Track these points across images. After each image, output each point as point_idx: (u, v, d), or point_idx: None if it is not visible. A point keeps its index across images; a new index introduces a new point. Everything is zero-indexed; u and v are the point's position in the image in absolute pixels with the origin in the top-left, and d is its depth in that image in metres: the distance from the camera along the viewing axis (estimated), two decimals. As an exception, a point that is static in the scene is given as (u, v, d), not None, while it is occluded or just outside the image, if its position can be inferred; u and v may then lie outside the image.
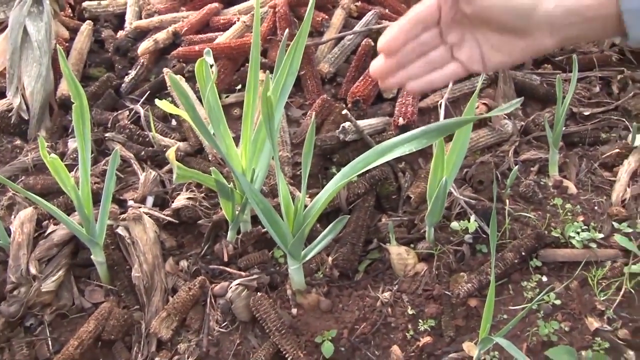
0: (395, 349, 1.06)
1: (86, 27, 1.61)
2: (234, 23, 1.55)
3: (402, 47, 0.65)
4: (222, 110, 1.06)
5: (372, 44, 1.50)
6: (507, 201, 1.27)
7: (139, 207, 1.21)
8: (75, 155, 1.28)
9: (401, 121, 1.30)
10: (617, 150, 1.37)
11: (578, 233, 1.19)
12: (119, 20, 1.72)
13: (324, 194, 0.99)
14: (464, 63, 0.65)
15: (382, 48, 0.65)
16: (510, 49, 0.64)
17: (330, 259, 1.19)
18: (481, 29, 0.65)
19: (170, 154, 0.80)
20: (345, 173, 0.96)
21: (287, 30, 1.10)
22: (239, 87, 1.46)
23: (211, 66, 0.88)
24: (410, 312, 1.10)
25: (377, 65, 0.64)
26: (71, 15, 1.77)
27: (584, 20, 0.62)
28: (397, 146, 0.90)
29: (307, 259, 1.09)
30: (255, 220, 1.21)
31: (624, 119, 1.48)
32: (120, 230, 1.16)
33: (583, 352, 1.01)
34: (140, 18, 1.65)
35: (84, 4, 1.71)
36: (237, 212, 1.14)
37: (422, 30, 0.64)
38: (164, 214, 1.21)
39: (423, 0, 0.64)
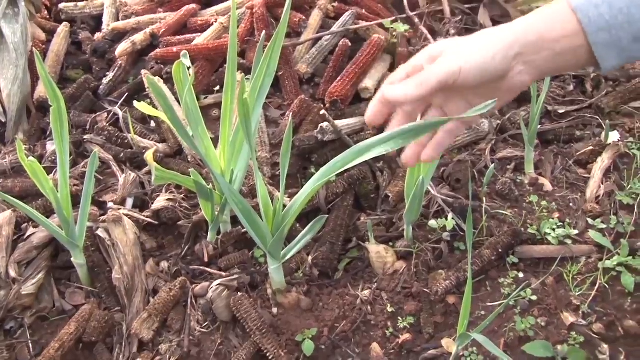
0: (375, 346, 1.07)
1: (63, 28, 1.60)
2: (212, 24, 1.55)
3: (385, 118, 0.73)
4: (201, 112, 1.07)
5: (349, 44, 1.52)
6: (484, 199, 1.29)
7: (119, 209, 1.21)
8: (54, 158, 1.28)
9: (379, 121, 1.32)
10: (591, 147, 1.40)
11: (554, 229, 1.21)
12: (96, 21, 1.71)
13: (303, 194, 1.00)
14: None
15: (368, 123, 0.75)
16: (494, 95, 0.69)
17: (310, 258, 1.20)
18: (464, 91, 0.71)
19: (148, 156, 0.80)
20: (323, 173, 0.97)
21: (264, 32, 1.11)
22: (218, 88, 1.47)
23: (188, 68, 0.88)
24: (389, 309, 1.11)
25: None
26: (47, 17, 1.76)
27: (555, 54, 0.65)
28: (374, 146, 0.91)
29: (287, 258, 1.10)
30: (235, 220, 1.21)
31: (597, 117, 1.51)
32: (100, 232, 1.16)
33: (559, 347, 1.03)
34: (118, 19, 1.64)
35: (61, 6, 1.70)
36: (216, 213, 1.14)
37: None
38: (143, 216, 1.21)
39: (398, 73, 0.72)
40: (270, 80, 1.08)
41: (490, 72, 0.67)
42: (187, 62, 0.88)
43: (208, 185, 1.09)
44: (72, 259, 1.11)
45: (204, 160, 0.98)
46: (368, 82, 1.46)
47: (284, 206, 1.03)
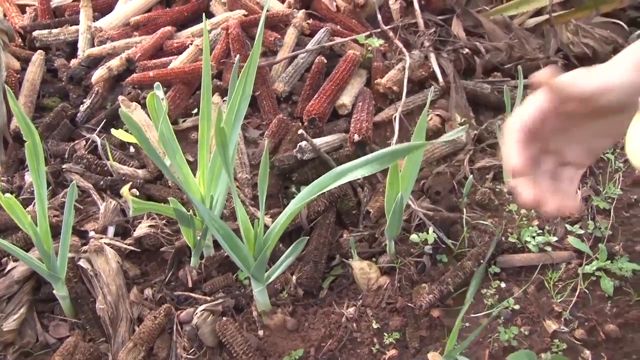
0: (362, 364, 1.08)
1: (38, 56, 1.60)
2: (188, 46, 1.55)
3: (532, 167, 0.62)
4: (179, 136, 1.07)
5: (325, 61, 1.53)
6: (465, 210, 1.30)
7: (100, 238, 1.20)
8: (32, 189, 1.27)
9: (356, 137, 1.33)
10: (566, 153, 1.42)
11: (534, 237, 1.23)
12: (71, 48, 1.71)
13: (283, 217, 1.01)
14: (575, 163, 0.64)
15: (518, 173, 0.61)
16: (614, 129, 0.63)
17: (294, 278, 1.20)
18: (584, 123, 0.63)
19: (124, 191, 0.80)
20: (302, 197, 0.98)
21: (238, 55, 1.11)
22: (195, 110, 1.47)
23: (162, 99, 0.89)
24: (375, 326, 1.12)
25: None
26: (22, 45, 1.75)
27: None
28: (351, 170, 0.92)
29: (271, 280, 1.10)
30: (217, 244, 1.21)
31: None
32: (82, 263, 1.16)
33: (543, 355, 1.04)
34: (93, 45, 1.64)
35: (35, 33, 1.69)
36: (198, 238, 1.14)
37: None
38: (125, 244, 1.21)
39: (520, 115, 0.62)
40: (246, 104, 1.08)
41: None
42: (160, 93, 0.88)
43: (188, 211, 1.10)
44: (54, 291, 1.11)
45: (183, 188, 0.99)
46: (345, 99, 1.47)
47: (267, 227, 1.04)
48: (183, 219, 1.08)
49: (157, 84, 0.89)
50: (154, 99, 0.92)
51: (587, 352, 1.04)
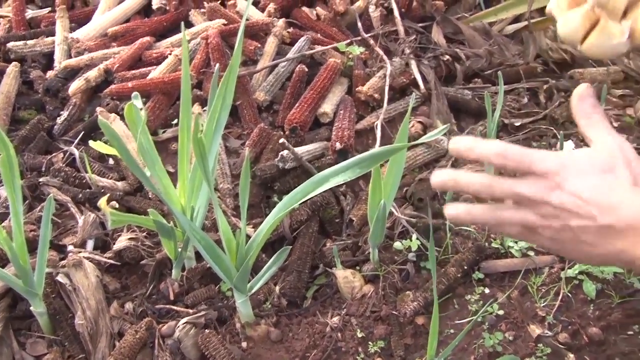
0: (347, 374, 1.07)
1: (12, 68, 1.57)
2: (167, 56, 1.54)
3: None
4: (159, 147, 1.06)
5: (306, 69, 1.52)
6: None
7: (79, 252, 1.18)
8: (8, 203, 1.25)
9: (338, 146, 1.32)
10: (548, 158, 1.42)
11: (516, 242, 1.23)
12: (47, 59, 1.68)
13: (265, 226, 1.00)
14: None
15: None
16: None
17: (277, 288, 1.19)
18: None
19: (102, 203, 0.79)
20: (283, 205, 0.97)
21: (217, 65, 1.10)
22: (175, 121, 1.45)
23: (140, 109, 0.87)
24: (359, 335, 1.11)
25: None
26: (-4, 57, 1.72)
27: None
28: (332, 176, 0.92)
29: (254, 291, 1.09)
30: (199, 255, 1.20)
31: (552, 128, 1.54)
32: (60, 278, 1.13)
33: (527, 360, 1.04)
34: (70, 57, 1.62)
35: (9, 45, 1.66)
36: (179, 250, 1.13)
37: None
38: (105, 257, 1.19)
39: None
40: (226, 114, 1.07)
41: None
42: (138, 103, 0.87)
43: (169, 222, 1.08)
44: (31, 307, 1.08)
45: (163, 199, 0.97)
46: (326, 107, 1.47)
47: (249, 237, 1.03)
48: (163, 230, 1.07)
49: (135, 94, 0.88)
50: (132, 110, 0.90)
51: (571, 356, 1.04)
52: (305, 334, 1.12)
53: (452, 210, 0.67)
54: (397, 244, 1.23)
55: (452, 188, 0.67)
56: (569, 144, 1.47)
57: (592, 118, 0.63)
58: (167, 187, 1.05)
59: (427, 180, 1.39)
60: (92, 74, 1.49)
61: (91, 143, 1.10)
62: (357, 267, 1.23)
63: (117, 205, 1.25)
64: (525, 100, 1.64)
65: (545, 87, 1.65)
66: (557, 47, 1.72)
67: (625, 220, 0.57)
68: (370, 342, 1.10)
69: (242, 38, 1.04)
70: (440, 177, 0.67)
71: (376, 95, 1.50)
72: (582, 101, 0.64)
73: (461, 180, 0.66)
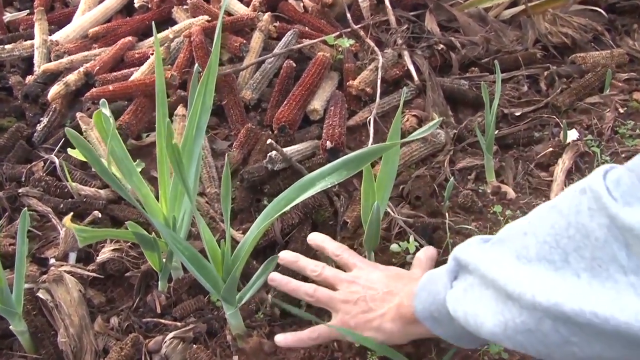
0: (344, 386, 1.01)
1: (-11, 75, 1.52)
2: (150, 56, 1.48)
3: None
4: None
5: (294, 65, 1.46)
6: (447, 214, 1.24)
7: (61, 266, 1.13)
8: (-14, 218, 1.19)
9: (329, 145, 1.26)
10: (551, 149, 1.36)
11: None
12: (27, 64, 1.62)
13: (251, 235, 0.94)
14: None
15: None
16: None
17: (269, 296, 1.13)
18: None
19: (66, 222, 0.73)
20: (267, 213, 0.91)
21: (196, 65, 1.05)
22: (159, 124, 1.39)
23: (109, 117, 0.82)
24: (357, 344, 1.05)
25: None
26: (-28, 63, 1.66)
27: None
28: (318, 180, 0.87)
29: (244, 301, 1.03)
30: (186, 265, 1.14)
31: (554, 116, 1.47)
32: (41, 294, 1.08)
33: (537, 366, 0.98)
34: (50, 60, 1.56)
35: (-15, 51, 1.61)
36: (164, 261, 1.07)
37: None
38: (88, 270, 1.14)
39: None
40: (207, 116, 1.02)
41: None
42: (106, 111, 0.81)
43: (150, 233, 1.02)
44: (11, 327, 1.03)
45: (141, 211, 0.92)
46: (316, 104, 1.40)
47: (237, 242, 0.97)
48: (145, 242, 1.01)
49: (102, 100, 0.82)
50: (100, 118, 0.84)
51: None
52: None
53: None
54: (394, 247, 1.17)
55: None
56: (573, 133, 1.40)
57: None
58: (147, 197, 0.99)
59: (425, 177, 1.33)
60: (72, 77, 1.43)
61: (70, 151, 1.04)
62: (354, 271, 1.17)
63: (99, 215, 1.20)
64: (525, 88, 1.57)
65: (545, 73, 1.59)
66: (557, 31, 1.65)
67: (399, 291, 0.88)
68: (369, 352, 1.05)
69: (219, 34, 0.97)
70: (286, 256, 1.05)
71: (368, 89, 1.43)
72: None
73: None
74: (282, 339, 0.95)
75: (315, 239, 1.07)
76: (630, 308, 0.46)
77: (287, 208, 0.86)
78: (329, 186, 0.83)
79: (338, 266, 1.04)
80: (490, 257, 0.62)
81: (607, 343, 0.50)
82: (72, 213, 0.82)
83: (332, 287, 0.96)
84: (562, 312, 0.50)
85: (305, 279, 1.03)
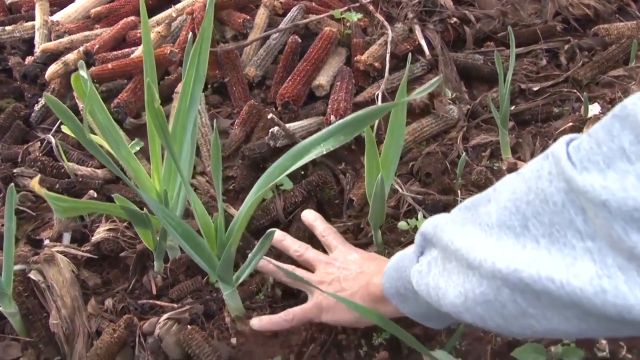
0: (348, 370, 0.95)
1: (-12, 56, 1.49)
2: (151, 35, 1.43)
3: None
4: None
5: (300, 40, 1.40)
6: (459, 192, 1.18)
7: (54, 246, 1.09)
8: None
9: (333, 119, 1.20)
10: (571, 123, 1.29)
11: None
12: (27, 45, 1.59)
13: (243, 209, 0.89)
14: None
15: None
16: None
17: (271, 277, 1.08)
18: None
19: (34, 185, 0.68)
20: (261, 184, 0.86)
21: (190, 33, 0.99)
22: (159, 101, 1.34)
23: (87, 80, 0.77)
24: (362, 326, 0.99)
25: None
26: (-28, 46, 1.63)
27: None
28: (313, 146, 0.81)
29: (241, 281, 0.98)
30: (183, 245, 1.09)
31: (575, 91, 1.39)
32: (32, 275, 1.04)
33: (552, 348, 0.91)
34: (51, 41, 1.53)
35: (-14, 33, 1.58)
36: (158, 239, 1.02)
37: None
38: (82, 251, 1.09)
39: None
40: (201, 86, 0.97)
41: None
42: (84, 74, 0.76)
43: (142, 209, 0.97)
44: (0, 308, 0.99)
45: (129, 184, 0.87)
46: (322, 79, 1.34)
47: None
48: (137, 218, 0.96)
49: (80, 62, 0.77)
50: (79, 81, 0.80)
51: (604, 342, 0.91)
52: (301, 327, 1.01)
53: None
54: (402, 224, 1.11)
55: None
56: (595, 107, 1.32)
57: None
58: (137, 171, 0.94)
59: (436, 154, 1.26)
60: (71, 56, 1.39)
61: (63, 128, 1.00)
62: (360, 251, 1.11)
63: (95, 195, 1.16)
64: (544, 62, 1.49)
65: (566, 47, 1.50)
66: (578, 2, 1.56)
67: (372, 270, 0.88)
68: (374, 334, 0.98)
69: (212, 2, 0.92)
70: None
71: (376, 64, 1.37)
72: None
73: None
74: (257, 321, 0.94)
75: (308, 217, 1.06)
76: (586, 273, 0.45)
77: (282, 177, 0.81)
78: (325, 152, 0.77)
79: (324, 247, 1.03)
80: (453, 227, 0.62)
81: (563, 314, 0.50)
82: (39, 176, 0.77)
83: (312, 268, 0.96)
84: (520, 279, 0.50)
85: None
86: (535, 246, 0.50)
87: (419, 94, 0.78)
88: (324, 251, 1.02)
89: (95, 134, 1.12)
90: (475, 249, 0.55)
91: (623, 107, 0.46)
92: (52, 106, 0.76)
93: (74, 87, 0.81)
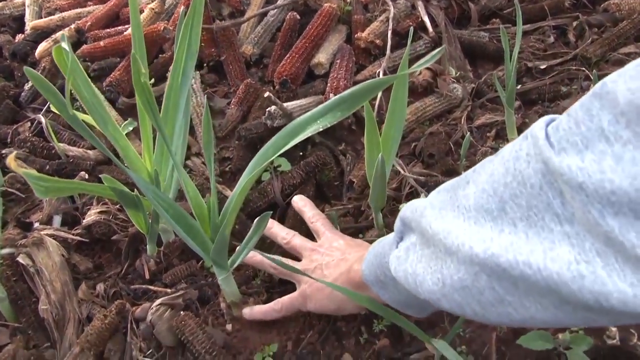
0: (347, 357, 0.92)
1: (-24, 34, 1.44)
2: (143, 11, 1.39)
3: None
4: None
5: (298, 17, 1.35)
6: (463, 173, 1.13)
7: (44, 229, 1.05)
8: (-32, 179, 1.12)
9: (332, 97, 1.15)
10: (579, 102, 1.24)
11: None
12: (18, 23, 1.55)
13: (237, 189, 0.85)
14: None
15: None
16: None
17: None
18: None
19: (10, 162, 0.64)
20: (255, 163, 0.82)
21: (182, 7, 0.95)
22: (153, 80, 1.30)
23: (69, 51, 0.72)
24: (362, 312, 0.95)
25: None
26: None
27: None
28: (309, 123, 0.77)
29: (236, 265, 0.94)
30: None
31: (583, 69, 1.34)
32: (21, 259, 1.01)
33: (560, 335, 0.88)
34: (42, 18, 1.48)
35: (-26, 10, 1.54)
36: (150, 222, 0.98)
37: None
38: (73, 234, 1.06)
39: None
40: (193, 62, 0.93)
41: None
42: (65, 45, 0.72)
43: (133, 191, 0.93)
44: (-13, 293, 0.96)
45: (117, 162, 0.83)
46: (321, 57, 1.30)
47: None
48: (127, 200, 0.92)
49: (62, 34, 0.73)
50: (60, 54, 0.75)
51: (614, 330, 0.88)
52: (299, 314, 0.97)
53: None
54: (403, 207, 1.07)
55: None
56: (603, 86, 1.27)
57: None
58: (126, 150, 0.90)
59: (439, 134, 1.22)
60: (64, 34, 1.34)
61: (52, 106, 0.96)
62: (360, 235, 1.07)
63: (86, 177, 1.12)
64: (552, 39, 1.44)
65: (575, 23, 1.45)
66: (587, -23, 1.51)
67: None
68: (374, 320, 0.95)
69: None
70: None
71: (378, 42, 1.32)
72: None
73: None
74: (249, 311, 0.93)
75: (298, 202, 1.04)
76: (563, 258, 0.44)
77: (276, 156, 0.76)
78: (321, 129, 0.73)
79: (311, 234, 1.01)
80: (432, 211, 0.60)
81: (540, 302, 0.48)
82: (14, 152, 0.73)
83: (299, 256, 0.95)
84: (497, 264, 0.48)
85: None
86: (512, 230, 0.48)
87: (421, 65, 0.74)
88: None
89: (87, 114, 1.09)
90: (453, 234, 0.54)
91: (603, 84, 0.42)
92: (33, 80, 0.71)
93: (56, 61, 0.77)
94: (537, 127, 0.48)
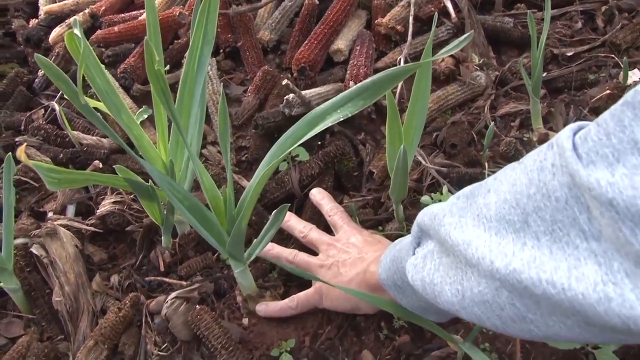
0: (366, 354, 0.89)
1: (-9, 19, 1.42)
2: (160, -4, 1.36)
3: None
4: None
5: (317, 2, 1.32)
6: (487, 164, 1.10)
7: (58, 219, 1.03)
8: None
9: (352, 85, 1.12)
10: (608, 91, 1.19)
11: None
12: (32, 8, 1.52)
13: (254, 182, 0.82)
14: None
15: None
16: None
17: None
18: None
19: (20, 155, 0.62)
20: (273, 154, 0.79)
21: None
22: (168, 67, 1.28)
23: (81, 37, 0.70)
24: (377, 311, 0.93)
25: None
26: (-26, 8, 1.57)
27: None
28: (329, 113, 0.73)
29: (253, 258, 0.92)
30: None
31: (612, 56, 1.29)
32: (34, 249, 0.99)
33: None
34: (55, 2, 1.46)
35: (-11, -6, 1.52)
36: (165, 213, 0.96)
37: None
38: (87, 224, 1.04)
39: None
40: (210, 48, 0.89)
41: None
42: (77, 32, 0.69)
43: (147, 181, 0.91)
44: (1, 284, 0.94)
45: (130, 152, 0.80)
46: (340, 43, 1.26)
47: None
48: (141, 190, 0.90)
49: (74, 19, 0.70)
50: (73, 40, 0.73)
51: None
52: (317, 309, 0.95)
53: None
54: (425, 198, 1.03)
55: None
56: (635, 74, 1.23)
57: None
58: (141, 139, 0.88)
59: (462, 124, 1.18)
60: (77, 19, 1.31)
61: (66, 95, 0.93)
62: (380, 227, 1.04)
63: (100, 165, 1.10)
64: (580, 25, 1.39)
65: (603, 8, 1.40)
66: (617, -40, 1.45)
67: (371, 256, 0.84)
68: (394, 316, 0.92)
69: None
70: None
71: (399, 28, 1.28)
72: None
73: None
74: (264, 307, 0.92)
75: (316, 195, 1.02)
76: (589, 277, 0.41)
77: (295, 146, 0.73)
78: (342, 119, 0.70)
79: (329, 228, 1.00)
80: (451, 219, 0.57)
81: (564, 322, 0.46)
82: (25, 144, 0.70)
83: (316, 250, 0.94)
84: (518, 281, 0.46)
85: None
86: (535, 244, 0.46)
87: (445, 53, 0.70)
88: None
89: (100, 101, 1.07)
90: (473, 245, 0.51)
91: (636, 92, 0.39)
92: (44, 68, 0.69)
93: (68, 47, 0.74)
94: (564, 136, 0.45)
